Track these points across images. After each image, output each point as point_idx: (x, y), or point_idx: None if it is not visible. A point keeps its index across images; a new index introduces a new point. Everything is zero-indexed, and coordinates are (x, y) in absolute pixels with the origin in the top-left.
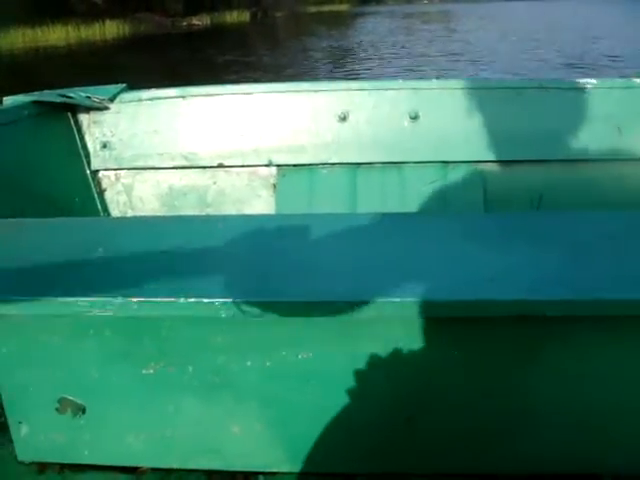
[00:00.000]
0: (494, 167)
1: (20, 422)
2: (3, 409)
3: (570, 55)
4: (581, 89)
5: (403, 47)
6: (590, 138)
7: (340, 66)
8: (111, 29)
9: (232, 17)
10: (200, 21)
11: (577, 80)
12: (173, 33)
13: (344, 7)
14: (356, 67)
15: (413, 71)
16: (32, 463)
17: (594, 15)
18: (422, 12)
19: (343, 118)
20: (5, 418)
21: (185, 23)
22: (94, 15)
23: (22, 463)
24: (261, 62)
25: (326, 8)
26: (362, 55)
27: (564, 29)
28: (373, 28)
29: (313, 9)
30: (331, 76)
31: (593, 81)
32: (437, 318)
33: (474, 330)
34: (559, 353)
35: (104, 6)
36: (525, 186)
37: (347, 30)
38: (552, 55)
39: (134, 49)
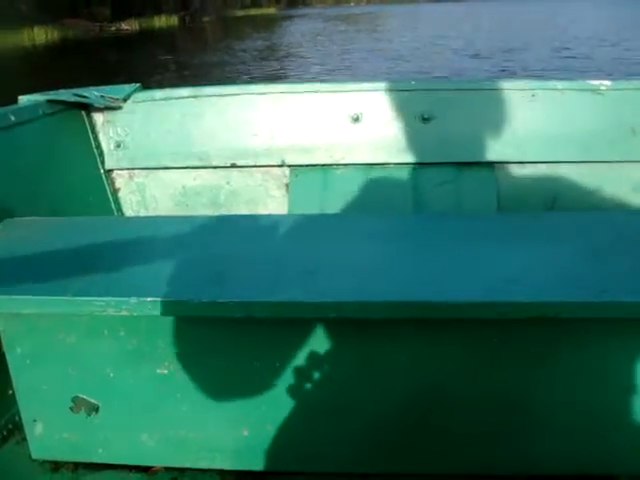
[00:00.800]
0: (508, 168)
1: (34, 420)
2: (18, 407)
3: (470, 49)
4: (595, 90)
5: (323, 46)
6: (604, 139)
7: (265, 65)
8: (40, 35)
9: (161, 22)
10: (129, 26)
11: (591, 82)
12: (103, 37)
13: (272, 10)
14: (280, 65)
15: (333, 71)
16: (46, 461)
17: (511, 15)
18: (348, 14)
19: (356, 119)
20: (19, 416)
21: (114, 28)
22: (20, 21)
23: (36, 461)
24: (191, 62)
25: (254, 12)
26: (285, 54)
27: (478, 28)
28: (299, 30)
29: (241, 13)
30: (258, 73)
31: (607, 82)
32: (450, 319)
33: (488, 331)
34: (574, 354)
35: (29, 12)
36: (539, 187)
37: (274, 32)
38: (456, 49)
39: (64, 53)
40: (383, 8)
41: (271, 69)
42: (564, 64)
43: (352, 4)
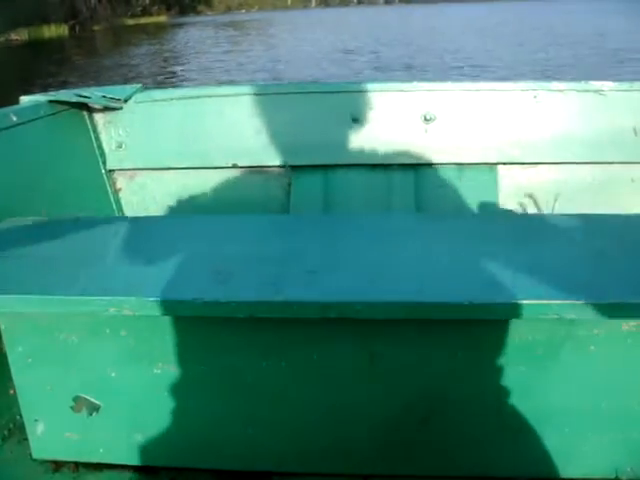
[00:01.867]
0: (509, 169)
1: (36, 420)
2: (19, 407)
3: (349, 50)
4: (598, 91)
5: (209, 52)
6: (606, 141)
7: (154, 67)
8: None
9: (50, 31)
10: (19, 36)
11: (594, 82)
12: None
13: (162, 18)
14: (168, 69)
15: (210, 70)
16: (47, 461)
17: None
18: (239, 21)
19: (357, 119)
20: (20, 416)
21: (3, 39)
22: None
23: (37, 461)
24: (83, 67)
25: (144, 20)
26: (173, 60)
27: (368, 32)
28: (189, 37)
29: (131, 22)
30: (146, 74)
31: (610, 84)
32: (451, 320)
33: (491, 332)
34: (576, 356)
35: None
36: (540, 188)
37: (163, 40)
38: (341, 51)
39: None
40: (274, 14)
41: (162, 72)
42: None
43: (243, 11)
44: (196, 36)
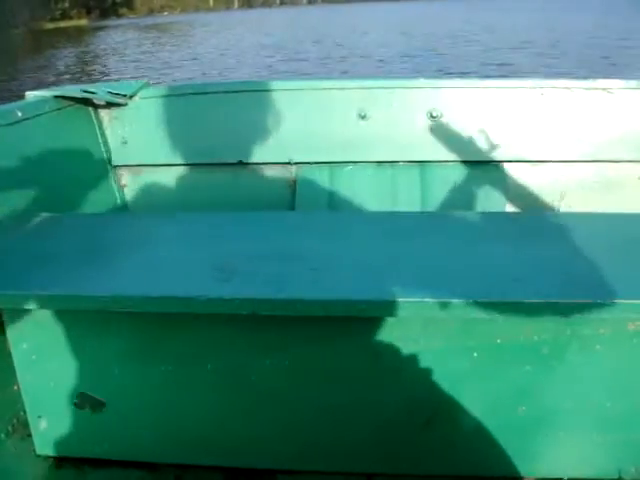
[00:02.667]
0: (516, 167)
1: (39, 416)
2: (23, 403)
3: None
4: (606, 89)
5: (124, 54)
6: (614, 139)
7: (74, 68)
8: None
9: None
10: None
11: (602, 80)
12: None
13: (83, 22)
14: (86, 68)
15: (136, 68)
16: (50, 457)
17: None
18: (162, 23)
19: (363, 116)
20: (24, 412)
21: None
22: None
23: (40, 457)
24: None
25: (64, 24)
26: (92, 61)
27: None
28: (109, 40)
29: (51, 26)
30: (65, 76)
31: (618, 82)
32: (457, 319)
33: (495, 331)
34: (581, 355)
35: None
36: (547, 186)
37: (84, 42)
38: (263, 55)
39: None
40: (197, 16)
41: (81, 72)
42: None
43: (165, 13)
44: (119, 38)
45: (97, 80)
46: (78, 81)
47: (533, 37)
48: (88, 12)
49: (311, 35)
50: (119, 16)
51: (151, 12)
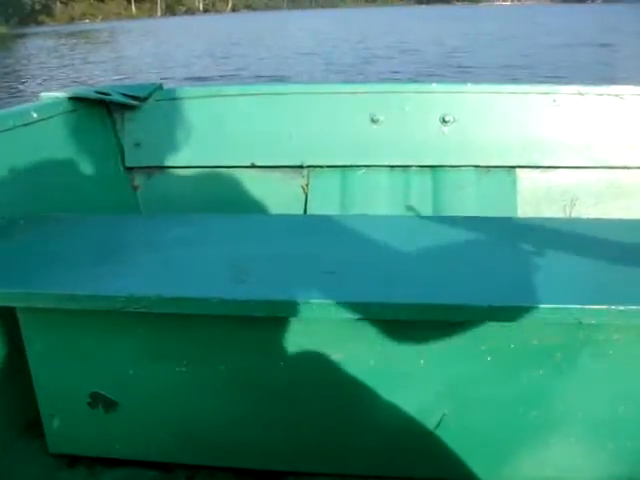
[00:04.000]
0: (528, 172)
1: (52, 415)
2: (36, 402)
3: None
4: (618, 95)
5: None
6: (626, 145)
7: None
8: None
9: None
10: None
11: (614, 86)
12: None
13: (2, 29)
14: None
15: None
16: (63, 456)
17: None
18: (84, 30)
19: (375, 120)
20: (38, 411)
21: None
22: None
23: (53, 456)
24: None
25: None
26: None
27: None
28: (30, 48)
29: None
30: None
31: (631, 88)
32: (468, 322)
33: (507, 335)
34: (594, 360)
35: None
36: (559, 192)
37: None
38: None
39: None
40: (119, 24)
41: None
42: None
43: (87, 21)
44: (40, 45)
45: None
46: None
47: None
48: (7, 20)
49: (226, 41)
50: (39, 23)
51: (72, 20)
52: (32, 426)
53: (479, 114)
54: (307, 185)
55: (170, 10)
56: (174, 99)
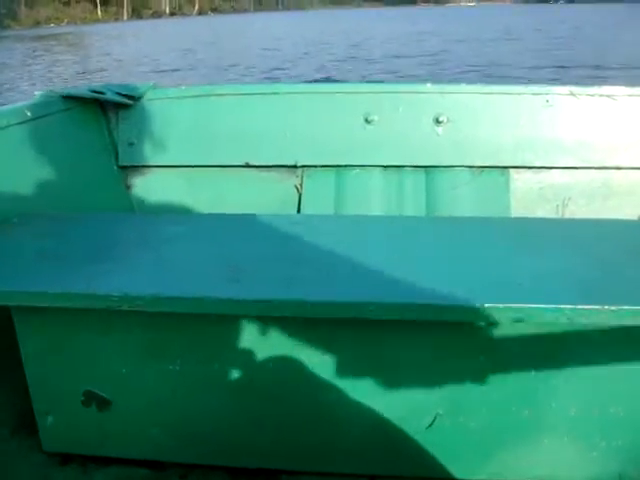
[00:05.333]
0: (521, 173)
1: (46, 413)
2: (30, 400)
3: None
4: (611, 96)
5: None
6: (619, 146)
7: None
8: None
9: None
10: None
11: (607, 87)
12: None
13: None
14: None
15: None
16: (56, 454)
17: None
18: (51, 34)
19: (369, 120)
20: (31, 409)
21: None
22: None
23: (46, 453)
24: None
25: None
26: None
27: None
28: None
29: None
30: None
31: (624, 88)
32: (462, 322)
33: (501, 335)
34: (587, 361)
35: None
36: (552, 192)
37: None
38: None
39: None
40: (86, 28)
41: None
42: None
43: (52, 25)
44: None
45: None
46: None
47: None
48: None
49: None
50: (4, 27)
51: (37, 24)
52: (25, 424)
53: (473, 114)
54: (301, 185)
55: (136, 13)
56: (168, 98)
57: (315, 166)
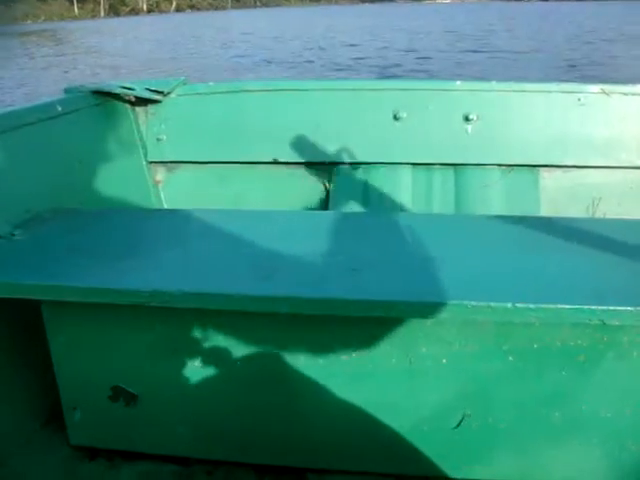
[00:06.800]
0: (552, 171)
1: (74, 408)
2: (58, 395)
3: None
4: None
5: None
6: None
7: None
8: None
9: None
10: None
11: (639, 85)
12: None
13: None
14: None
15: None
16: (83, 448)
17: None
18: (24, 32)
19: (398, 118)
20: (60, 403)
21: None
22: None
23: (74, 448)
24: None
25: None
26: None
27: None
28: None
29: None
30: None
31: None
32: (493, 322)
33: (531, 335)
34: (618, 362)
35: None
36: (583, 192)
37: None
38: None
39: None
40: (62, 24)
41: None
42: None
43: (29, 22)
44: None
45: None
46: None
47: None
48: None
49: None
50: None
51: (15, 20)
52: (54, 418)
53: (502, 113)
54: (329, 182)
55: (114, 10)
56: (197, 94)
57: (344, 163)
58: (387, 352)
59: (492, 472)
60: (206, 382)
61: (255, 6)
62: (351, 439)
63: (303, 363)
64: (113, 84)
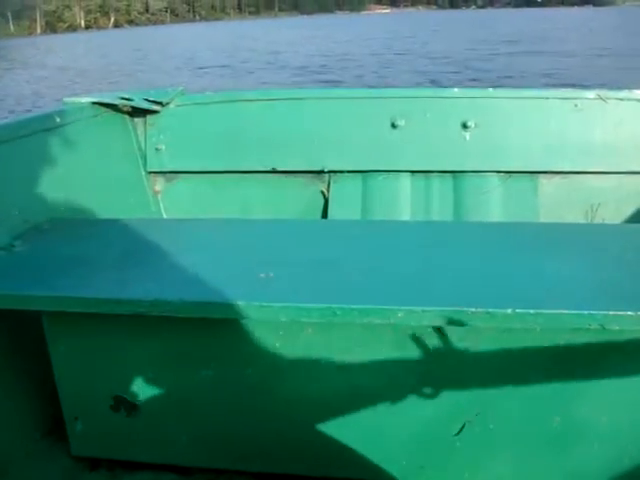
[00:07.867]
0: (550, 178)
1: (75, 418)
2: (59, 405)
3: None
4: None
5: None
6: None
7: None
8: None
9: None
10: None
11: (637, 91)
12: None
13: None
14: None
15: None
16: (85, 458)
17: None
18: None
19: (396, 125)
20: (61, 413)
21: None
22: None
23: (75, 458)
24: None
25: None
26: None
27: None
28: None
29: None
30: None
31: None
32: (494, 328)
33: (531, 341)
34: (620, 367)
35: None
36: (581, 197)
37: None
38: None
39: None
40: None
41: None
42: None
43: None
44: None
45: None
46: None
47: None
48: None
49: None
50: None
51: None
52: (55, 428)
53: (500, 119)
54: (328, 190)
55: (50, 27)
56: (195, 104)
57: (342, 171)
58: (387, 359)
59: (494, 479)
60: (206, 391)
61: (193, 20)
62: (352, 447)
63: (304, 372)
64: (111, 95)
